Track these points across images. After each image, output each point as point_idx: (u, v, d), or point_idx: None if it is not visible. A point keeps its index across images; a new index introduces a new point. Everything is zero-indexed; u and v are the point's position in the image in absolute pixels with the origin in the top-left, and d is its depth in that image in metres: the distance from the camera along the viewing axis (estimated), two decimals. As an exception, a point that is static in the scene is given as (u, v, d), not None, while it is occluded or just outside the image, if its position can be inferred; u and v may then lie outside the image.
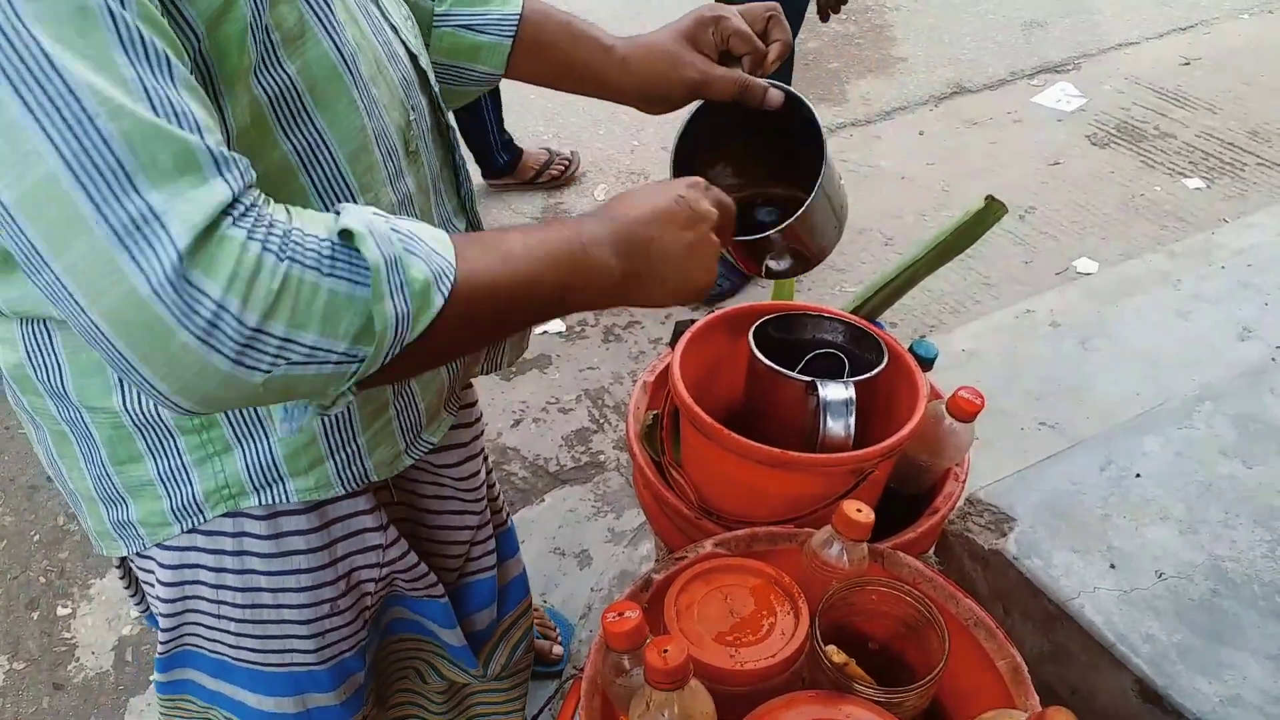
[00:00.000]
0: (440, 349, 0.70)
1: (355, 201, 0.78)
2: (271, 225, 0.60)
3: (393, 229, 0.65)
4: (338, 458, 0.89)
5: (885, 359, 1.20)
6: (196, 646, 1.03)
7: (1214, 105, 4.04)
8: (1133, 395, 2.05)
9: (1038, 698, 0.86)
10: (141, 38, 0.56)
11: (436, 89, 0.94)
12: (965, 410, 1.13)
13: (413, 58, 0.89)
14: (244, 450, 0.85)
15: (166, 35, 0.59)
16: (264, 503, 0.88)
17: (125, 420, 0.82)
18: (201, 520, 0.89)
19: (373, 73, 0.79)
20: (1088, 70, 4.36)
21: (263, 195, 0.62)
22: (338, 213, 0.64)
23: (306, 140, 0.73)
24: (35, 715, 1.89)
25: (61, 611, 2.09)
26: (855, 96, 4.15)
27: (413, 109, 0.86)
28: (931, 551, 1.39)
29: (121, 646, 2.01)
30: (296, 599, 0.96)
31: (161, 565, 0.93)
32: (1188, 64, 4.40)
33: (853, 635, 0.96)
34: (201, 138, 0.58)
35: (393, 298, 0.62)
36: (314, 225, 0.62)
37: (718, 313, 1.36)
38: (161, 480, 0.86)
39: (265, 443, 0.85)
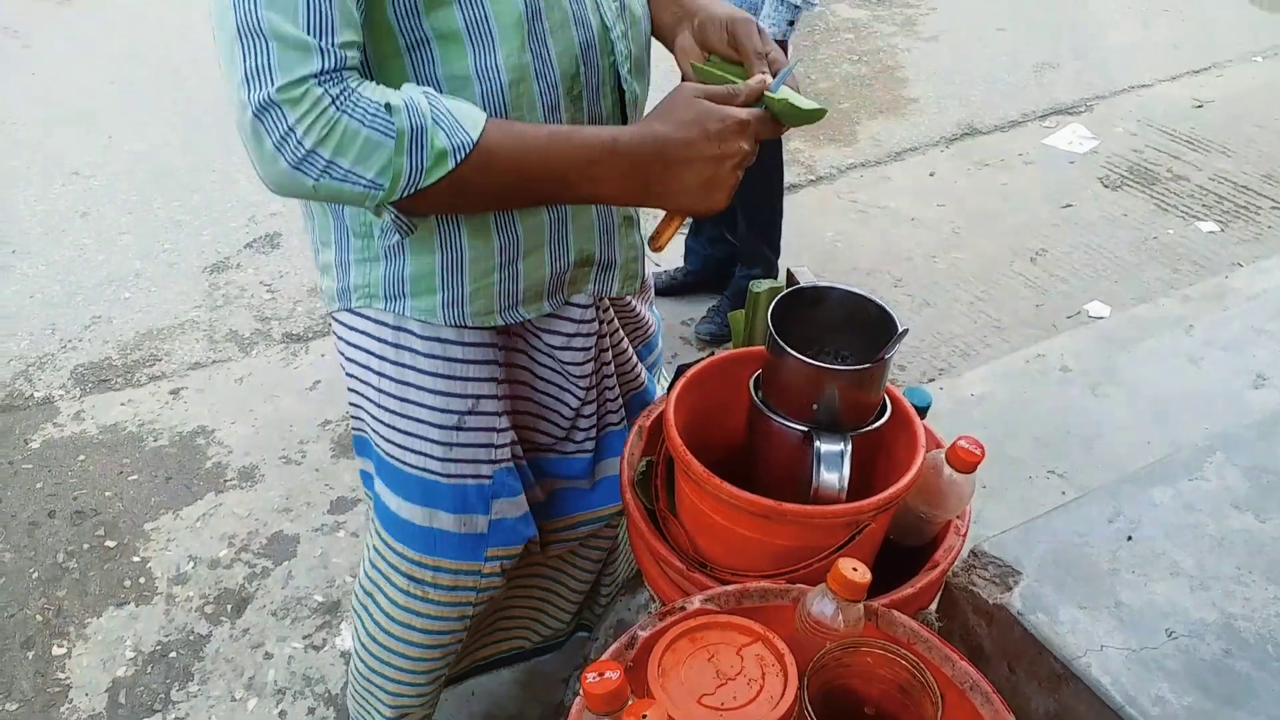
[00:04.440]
0: (457, 198, 0.95)
1: (506, 115, 1.02)
2: (344, 88, 0.87)
3: (432, 106, 0.90)
4: (444, 294, 1.15)
5: (888, 412, 1.18)
6: (364, 430, 1.30)
7: (1227, 148, 4.02)
8: (1143, 444, 2.01)
9: (1036, 768, 0.83)
10: None
11: (620, 54, 1.12)
12: (965, 461, 1.11)
13: (604, 29, 1.09)
14: (387, 264, 1.14)
15: None
16: (390, 310, 1.16)
17: (330, 209, 1.15)
18: (349, 303, 1.19)
19: (553, 27, 1.02)
20: (1100, 112, 4.36)
21: (353, 74, 0.89)
22: (398, 89, 0.91)
23: (483, 62, 0.99)
24: (25, 757, 1.87)
25: (57, 651, 2.07)
26: (865, 137, 4.16)
27: (585, 64, 1.07)
28: (934, 606, 1.35)
29: (115, 689, 1.99)
30: (432, 400, 1.21)
31: (346, 334, 1.23)
32: (1201, 106, 4.39)
33: (846, 697, 0.93)
34: (321, 40, 0.86)
35: (410, 155, 0.88)
36: (376, 94, 0.88)
37: (717, 356, 1.34)
38: (336, 266, 1.18)
39: (402, 264, 1.14)
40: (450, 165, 0.90)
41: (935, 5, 5.54)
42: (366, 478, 1.39)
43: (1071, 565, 1.43)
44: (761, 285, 1.35)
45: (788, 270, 1.38)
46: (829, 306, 1.21)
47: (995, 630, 1.39)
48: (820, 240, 3.43)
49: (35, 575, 2.23)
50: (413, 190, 0.90)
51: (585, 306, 1.31)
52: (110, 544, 2.32)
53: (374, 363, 1.22)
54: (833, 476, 1.06)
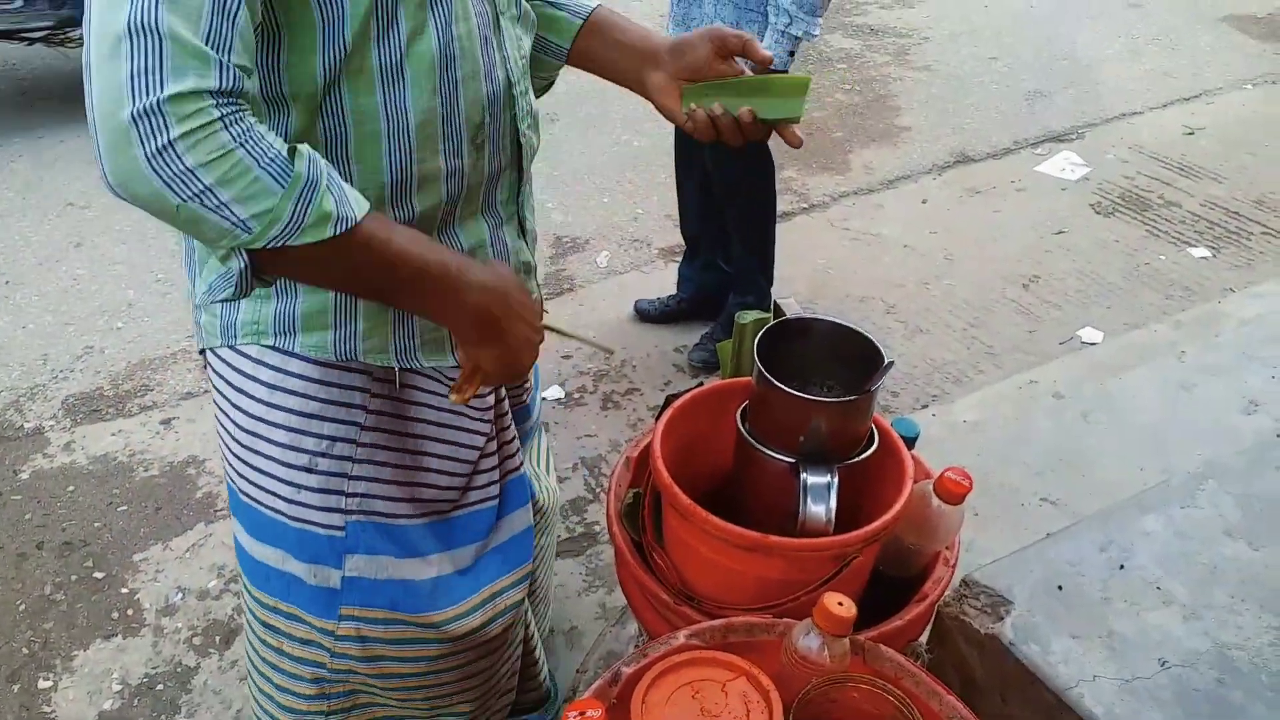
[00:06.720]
0: (314, 267, 0.92)
1: (412, 156, 1.03)
2: (243, 120, 0.82)
3: (330, 173, 0.87)
4: (337, 331, 1.12)
5: (875, 443, 1.17)
6: (227, 466, 1.24)
7: (1219, 174, 4.04)
8: (1136, 470, 2.00)
9: (1024, 805, 0.81)
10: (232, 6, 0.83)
11: (521, 110, 1.16)
12: (952, 492, 1.10)
13: (509, 85, 1.13)
14: (279, 302, 1.11)
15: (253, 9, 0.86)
16: (279, 346, 1.12)
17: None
18: (234, 340, 1.14)
19: (465, 77, 1.05)
20: (1091, 139, 4.38)
21: (248, 107, 0.84)
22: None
23: (392, 101, 1.00)
24: (8, 794, 1.84)
25: (43, 684, 2.05)
26: (858, 165, 4.17)
27: (490, 115, 1.10)
28: (924, 638, 1.34)
29: (101, 722, 1.96)
30: (282, 437, 1.16)
31: (215, 372, 1.20)
32: (1192, 133, 4.41)
33: (832, 732, 0.92)
34: (219, 54, 0.81)
35: (296, 204, 0.84)
36: (277, 141, 0.84)
37: (704, 387, 1.34)
38: (225, 301, 1.11)
39: (294, 301, 1.10)
40: (328, 233, 0.86)
41: (928, 35, 5.58)
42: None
43: (1064, 594, 1.42)
44: (748, 316, 1.35)
45: (774, 302, 1.38)
46: (816, 338, 1.21)
47: (987, 660, 1.38)
48: (813, 267, 3.44)
49: (22, 607, 2.21)
50: (279, 244, 0.85)
51: None
52: (98, 575, 2.30)
53: (233, 397, 1.18)
54: (819, 508, 1.06)
